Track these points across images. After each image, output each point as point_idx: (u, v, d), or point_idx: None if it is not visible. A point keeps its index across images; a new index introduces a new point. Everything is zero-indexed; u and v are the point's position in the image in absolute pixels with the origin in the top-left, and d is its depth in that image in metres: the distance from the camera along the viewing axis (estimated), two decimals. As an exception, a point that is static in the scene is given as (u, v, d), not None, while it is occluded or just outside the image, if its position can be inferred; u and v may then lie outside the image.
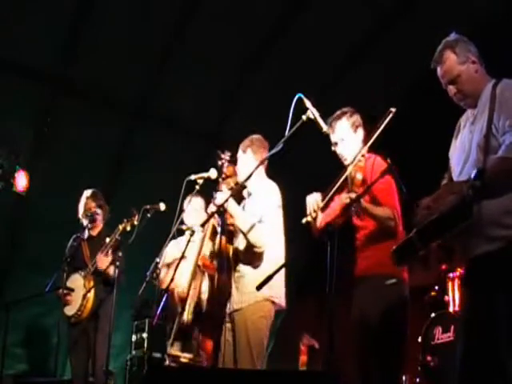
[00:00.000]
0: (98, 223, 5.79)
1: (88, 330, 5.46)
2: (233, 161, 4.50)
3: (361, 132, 3.90)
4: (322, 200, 3.58)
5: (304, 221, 3.56)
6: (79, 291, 5.46)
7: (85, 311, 5.43)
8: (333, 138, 3.88)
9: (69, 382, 5.96)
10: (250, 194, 4.37)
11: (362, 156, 3.67)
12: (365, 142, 3.78)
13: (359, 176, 3.62)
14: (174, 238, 4.59)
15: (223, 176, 4.39)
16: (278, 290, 4.18)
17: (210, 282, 4.32)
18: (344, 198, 3.57)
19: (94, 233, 5.81)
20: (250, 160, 4.40)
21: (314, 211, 3.56)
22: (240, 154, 4.50)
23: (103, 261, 5.44)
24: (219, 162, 4.45)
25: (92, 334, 5.42)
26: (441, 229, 2.82)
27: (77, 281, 5.53)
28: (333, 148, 3.90)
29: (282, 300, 4.24)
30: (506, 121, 2.86)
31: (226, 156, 4.46)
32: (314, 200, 3.61)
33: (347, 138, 3.87)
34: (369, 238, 3.82)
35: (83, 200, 5.82)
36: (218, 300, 4.05)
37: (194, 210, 5.03)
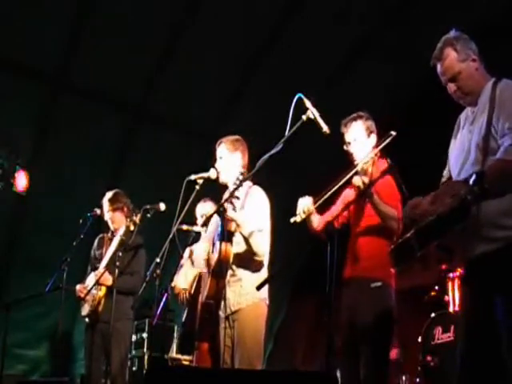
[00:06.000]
0: (117, 224, 5.63)
1: (103, 332, 5.33)
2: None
3: (373, 138, 4.03)
4: (315, 202, 3.85)
5: (292, 220, 3.84)
6: (94, 291, 5.38)
7: (97, 311, 5.34)
8: (346, 138, 4.04)
9: (68, 382, 5.93)
10: (237, 199, 4.20)
11: (375, 155, 3.80)
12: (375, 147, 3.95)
13: (370, 169, 3.83)
14: (173, 238, 4.58)
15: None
16: (266, 292, 4.19)
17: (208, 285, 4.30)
18: (356, 180, 3.67)
19: (116, 233, 5.64)
20: (237, 162, 4.31)
21: (304, 212, 3.83)
22: (225, 152, 4.33)
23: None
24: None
25: (107, 336, 5.26)
26: (438, 230, 2.81)
27: (92, 280, 5.45)
28: (345, 147, 4.05)
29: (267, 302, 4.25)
30: (506, 123, 2.86)
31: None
32: (305, 202, 3.87)
33: (360, 139, 4.01)
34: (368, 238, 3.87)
35: (103, 202, 5.70)
36: (214, 302, 4.04)
37: (200, 216, 5.12)
